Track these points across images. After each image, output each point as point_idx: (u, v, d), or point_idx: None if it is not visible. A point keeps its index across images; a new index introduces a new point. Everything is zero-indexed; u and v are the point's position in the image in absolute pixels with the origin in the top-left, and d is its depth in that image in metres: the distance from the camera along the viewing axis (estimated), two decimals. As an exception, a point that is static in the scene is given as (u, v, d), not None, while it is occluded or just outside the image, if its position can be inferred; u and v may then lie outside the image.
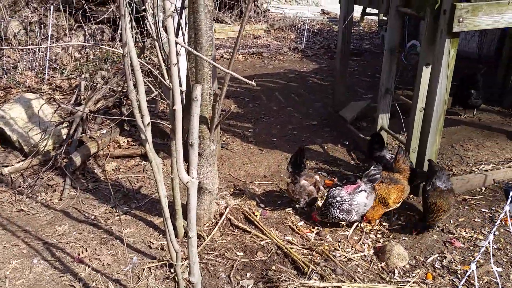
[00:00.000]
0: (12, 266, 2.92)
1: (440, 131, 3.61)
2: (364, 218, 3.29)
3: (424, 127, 3.64)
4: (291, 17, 11.89)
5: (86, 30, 7.83)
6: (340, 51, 5.12)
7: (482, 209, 3.60)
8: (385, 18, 7.91)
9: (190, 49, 2.35)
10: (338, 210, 3.16)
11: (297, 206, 3.56)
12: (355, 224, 3.35)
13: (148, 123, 2.40)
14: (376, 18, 10.88)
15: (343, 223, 3.34)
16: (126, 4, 2.13)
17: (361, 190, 3.22)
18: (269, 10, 12.16)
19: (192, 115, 1.91)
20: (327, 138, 5.04)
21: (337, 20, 11.43)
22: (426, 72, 3.56)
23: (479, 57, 7.56)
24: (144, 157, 4.49)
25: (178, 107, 1.87)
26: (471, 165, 4.29)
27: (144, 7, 2.39)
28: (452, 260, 2.99)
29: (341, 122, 5.19)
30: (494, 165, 4.25)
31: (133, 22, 6.52)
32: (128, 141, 4.81)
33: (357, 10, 8.42)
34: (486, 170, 4.12)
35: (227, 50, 8.90)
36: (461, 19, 3.12)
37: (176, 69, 1.81)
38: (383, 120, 4.44)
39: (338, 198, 3.14)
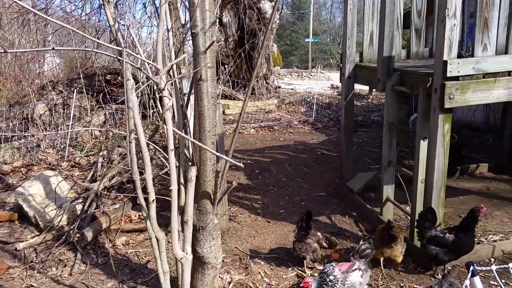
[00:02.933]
0: None
1: (442, 202, 3.65)
2: None
3: (426, 198, 3.69)
4: (301, 92, 12.45)
5: (106, 110, 8.35)
6: (344, 126, 5.33)
7: (491, 282, 3.51)
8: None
9: (188, 138, 2.57)
10: None
11: (305, 262, 3.75)
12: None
13: (153, 200, 2.56)
14: (383, 91, 11.30)
15: None
16: (135, 94, 2.39)
17: (355, 269, 3.17)
18: (280, 86, 12.79)
19: (187, 194, 2.06)
20: (335, 209, 5.08)
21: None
22: (423, 145, 3.69)
23: (486, 127, 7.70)
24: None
25: (174, 187, 2.02)
26: (479, 235, 4.23)
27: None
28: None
29: (349, 193, 5.25)
30: (503, 235, 4.19)
31: (151, 101, 6.95)
32: (139, 215, 4.94)
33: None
34: (495, 241, 4.06)
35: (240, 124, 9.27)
36: (451, 96, 3.30)
37: (173, 154, 1.99)
38: (388, 191, 4.49)
39: (331, 277, 3.09)
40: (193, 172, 2.04)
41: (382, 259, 3.67)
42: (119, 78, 8.73)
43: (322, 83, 14.66)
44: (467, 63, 3.27)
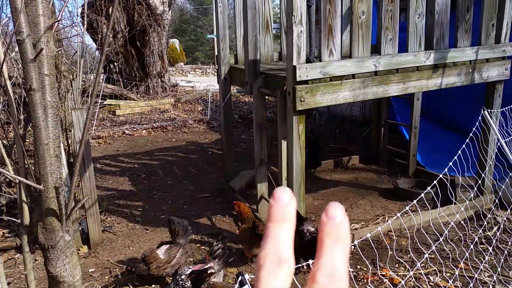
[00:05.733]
0: None
1: (302, 197, 3.87)
2: None
3: (289, 195, 3.89)
4: (200, 90, 12.40)
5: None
6: (224, 126, 5.41)
7: (348, 269, 3.83)
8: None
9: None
10: None
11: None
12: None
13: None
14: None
15: None
16: None
17: (208, 267, 3.24)
18: (177, 84, 12.59)
19: None
20: (216, 209, 5.14)
21: (244, 91, 12.14)
22: (284, 145, 3.88)
23: (362, 120, 8.37)
24: (19, 249, 4.23)
25: None
26: (344, 225, 4.59)
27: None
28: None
29: (231, 192, 5.36)
30: (364, 223, 4.59)
31: None
32: (3, 232, 4.53)
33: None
34: (356, 229, 4.43)
35: (129, 126, 8.96)
36: (302, 98, 3.50)
37: None
38: (262, 188, 4.67)
39: (183, 277, 3.15)
40: None
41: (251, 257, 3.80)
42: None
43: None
44: (315, 67, 3.48)
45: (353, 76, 3.72)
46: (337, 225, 0.36)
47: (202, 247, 4.26)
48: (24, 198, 2.86)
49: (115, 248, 4.29)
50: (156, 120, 9.59)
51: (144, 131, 8.78)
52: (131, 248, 4.29)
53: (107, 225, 4.70)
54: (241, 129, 9.17)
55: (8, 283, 3.71)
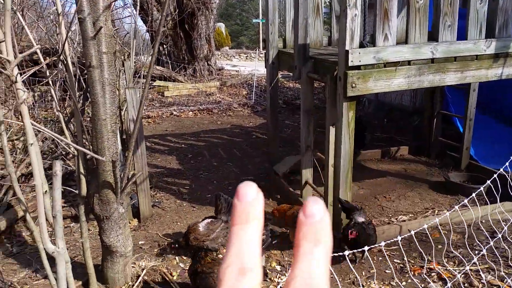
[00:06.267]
0: None
1: (349, 185, 3.83)
2: None
3: (335, 182, 3.86)
4: (245, 74, 12.44)
5: (35, 91, 7.96)
6: (270, 111, 5.42)
7: (395, 260, 3.76)
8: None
9: (58, 137, 2.51)
10: None
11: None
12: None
13: (46, 191, 2.50)
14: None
15: None
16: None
17: None
18: (223, 68, 12.70)
19: (54, 189, 2.03)
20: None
21: (289, 77, 12.04)
22: (332, 131, 3.83)
23: (413, 110, 8.09)
24: (75, 218, 4.50)
25: (37, 183, 1.99)
26: (390, 215, 4.51)
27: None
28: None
29: (275, 176, 5.39)
30: (412, 215, 4.48)
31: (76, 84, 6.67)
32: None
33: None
34: (404, 221, 4.34)
35: (177, 107, 9.16)
36: (353, 84, 3.44)
37: (33, 148, 1.95)
38: (307, 174, 4.65)
39: None
40: (57, 166, 2.00)
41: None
42: (48, 58, 8.32)
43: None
44: (368, 52, 3.40)
45: (409, 62, 3.60)
46: (316, 224, 0.31)
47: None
48: (82, 170, 3.02)
49: (164, 222, 4.46)
50: (202, 102, 9.75)
51: (191, 112, 8.96)
52: (178, 223, 4.44)
53: (156, 200, 4.88)
54: (285, 114, 9.15)
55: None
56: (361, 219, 3.59)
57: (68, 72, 2.82)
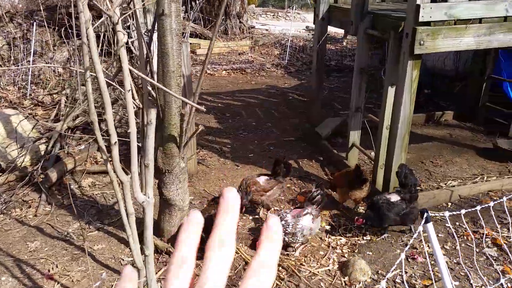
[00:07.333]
0: (-20, 283, 2.95)
1: (405, 148, 3.74)
2: None
3: (390, 144, 3.77)
4: (276, 33, 12.11)
5: (70, 46, 7.90)
6: (315, 70, 5.27)
7: (446, 225, 3.71)
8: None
9: (149, 79, 2.45)
10: (283, 233, 3.20)
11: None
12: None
13: (115, 142, 2.48)
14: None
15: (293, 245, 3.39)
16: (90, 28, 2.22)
17: (306, 214, 3.27)
18: (254, 27, 12.37)
19: (147, 137, 2.00)
20: (302, 153, 5.15)
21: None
22: (391, 92, 3.70)
23: (455, 75, 7.79)
24: (124, 171, 4.55)
25: (132, 130, 1.96)
26: (439, 181, 4.42)
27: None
28: (413, 274, 3.09)
29: (317, 138, 5.31)
30: (461, 181, 4.39)
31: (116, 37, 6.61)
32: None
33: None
34: (453, 186, 4.25)
35: (210, 65, 9.03)
36: (422, 42, 3.27)
37: (129, 95, 1.90)
38: (354, 137, 4.57)
39: (282, 222, 3.20)
40: (152, 114, 1.97)
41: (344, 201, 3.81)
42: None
43: (297, 24, 14.26)
44: (440, 8, 3.20)
45: (480, 21, 3.39)
46: (274, 232, 0.44)
47: (292, 188, 4.32)
48: (145, 122, 2.98)
49: (210, 179, 4.48)
50: (234, 61, 9.58)
51: (224, 71, 8.82)
52: (224, 181, 4.46)
53: (200, 158, 4.88)
54: (320, 76, 8.93)
55: (114, 203, 4.03)
56: (394, 198, 3.43)
57: (136, 22, 2.74)
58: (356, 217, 3.47)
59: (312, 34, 13.11)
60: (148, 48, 3.07)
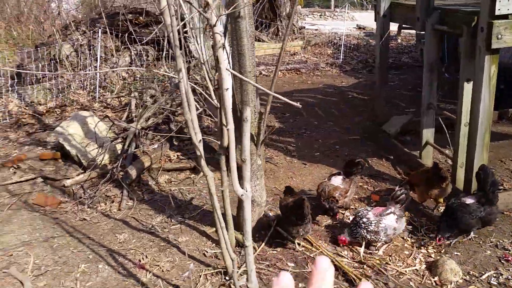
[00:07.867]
0: (81, 270, 3.17)
1: (486, 146, 3.64)
2: None
3: (470, 142, 3.67)
4: (326, 33, 12.05)
5: (132, 51, 8.27)
6: (379, 66, 5.23)
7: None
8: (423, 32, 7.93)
9: (238, 74, 2.55)
10: (365, 231, 3.18)
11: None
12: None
13: (200, 140, 2.60)
14: (413, 31, 10.85)
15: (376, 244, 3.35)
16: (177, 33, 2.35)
17: (390, 213, 3.23)
18: (304, 27, 12.38)
19: (244, 134, 2.09)
20: (370, 152, 5.11)
21: (373, 35, 11.50)
22: (467, 88, 3.61)
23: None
24: (193, 170, 4.72)
25: (231, 127, 2.05)
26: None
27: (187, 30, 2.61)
28: (509, 277, 2.99)
29: (384, 137, 5.25)
30: (544, 180, 4.20)
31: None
32: (177, 155, 5.06)
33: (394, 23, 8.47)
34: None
35: (265, 67, 9.13)
36: (499, 35, 3.17)
37: (228, 93, 2.00)
38: (428, 134, 4.48)
39: (364, 219, 3.18)
40: (248, 112, 2.06)
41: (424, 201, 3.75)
42: (141, 18, 8.56)
43: (347, 23, 14.11)
44: (523, 0, 3.10)
45: None
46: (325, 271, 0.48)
47: (365, 187, 4.31)
48: (224, 122, 3.10)
49: (279, 177, 4.55)
50: (288, 62, 9.64)
51: (279, 72, 8.89)
52: (293, 179, 4.52)
53: (267, 156, 4.97)
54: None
55: (191, 198, 4.19)
56: (470, 201, 3.30)
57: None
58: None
59: (365, 32, 12.93)
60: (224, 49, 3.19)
